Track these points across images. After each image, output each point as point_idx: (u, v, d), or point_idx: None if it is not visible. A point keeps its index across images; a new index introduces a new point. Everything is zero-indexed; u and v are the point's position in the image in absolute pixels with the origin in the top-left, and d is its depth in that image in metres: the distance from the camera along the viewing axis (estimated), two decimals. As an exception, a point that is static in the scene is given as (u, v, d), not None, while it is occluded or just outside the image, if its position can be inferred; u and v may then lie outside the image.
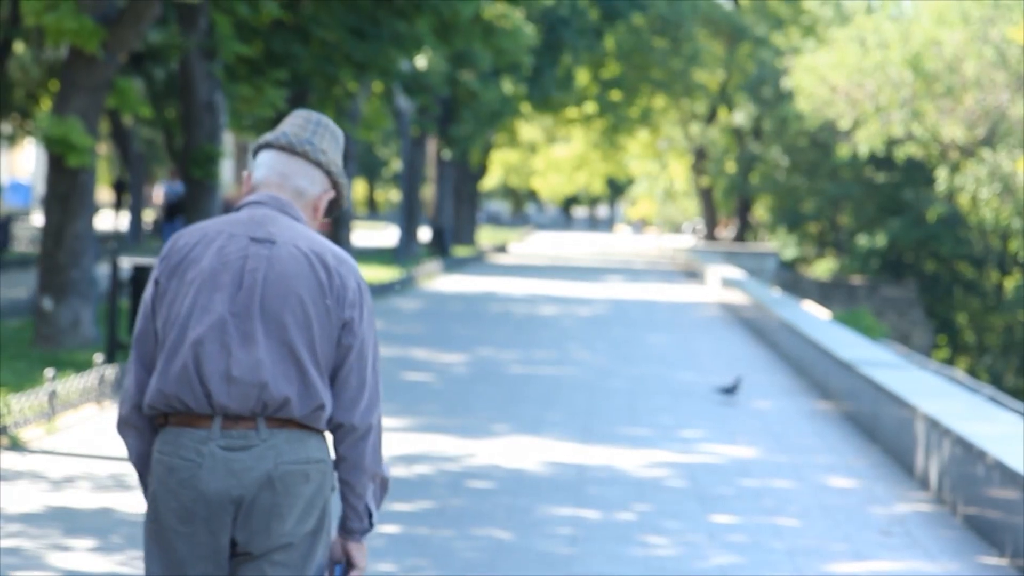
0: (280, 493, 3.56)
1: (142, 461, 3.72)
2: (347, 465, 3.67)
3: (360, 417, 3.64)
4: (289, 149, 3.74)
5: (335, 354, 3.63)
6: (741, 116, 57.30)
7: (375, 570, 7.03)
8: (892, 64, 42.12)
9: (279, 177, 3.74)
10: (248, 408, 3.57)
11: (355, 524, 3.71)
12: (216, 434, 3.57)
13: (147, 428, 3.69)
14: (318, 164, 3.75)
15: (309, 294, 3.61)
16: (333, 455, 3.73)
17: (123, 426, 3.71)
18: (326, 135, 3.77)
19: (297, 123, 3.77)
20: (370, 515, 3.71)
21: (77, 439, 10.45)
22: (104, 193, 52.96)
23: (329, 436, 3.72)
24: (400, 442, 10.65)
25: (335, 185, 3.79)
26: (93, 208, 15.56)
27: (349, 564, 3.72)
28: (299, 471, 3.58)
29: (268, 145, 3.76)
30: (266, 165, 3.75)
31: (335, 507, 3.78)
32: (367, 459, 3.67)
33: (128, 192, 43.45)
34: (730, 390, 13.93)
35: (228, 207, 25.64)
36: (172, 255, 3.66)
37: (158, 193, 22.03)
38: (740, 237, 59.25)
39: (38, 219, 41.21)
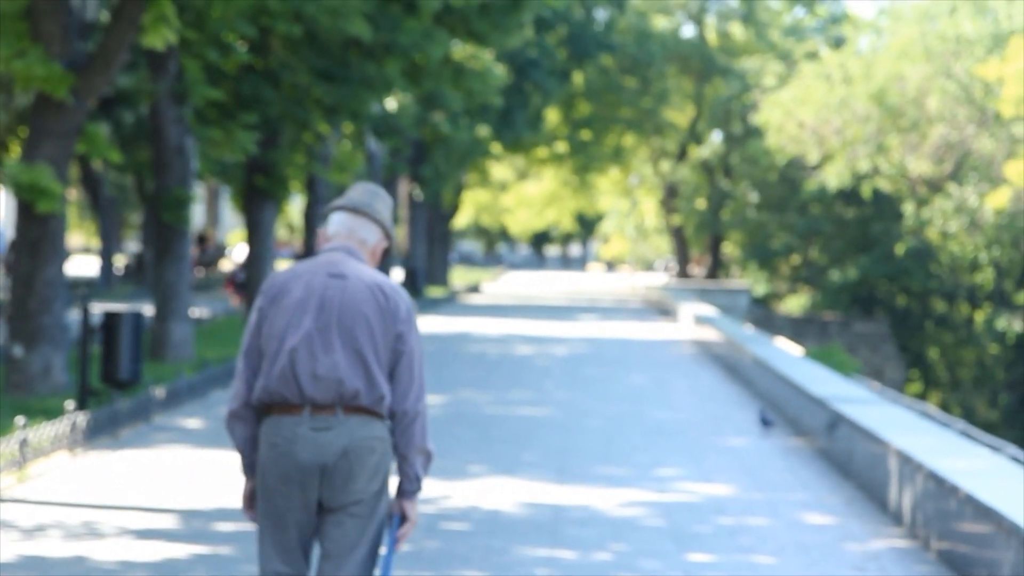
0: (353, 461, 4.82)
1: (248, 444, 4.94)
2: (402, 441, 4.91)
3: (411, 405, 4.90)
4: (354, 210, 5.06)
5: (391, 358, 4.90)
6: (708, 151, 57.50)
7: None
8: (857, 99, 42.37)
9: (347, 231, 5.05)
10: (329, 399, 4.82)
11: (407, 486, 4.95)
12: (306, 419, 4.82)
13: (253, 419, 4.92)
14: (375, 221, 5.07)
15: (373, 314, 4.88)
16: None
17: (232, 419, 4.93)
18: (380, 200, 5.09)
19: (359, 191, 5.09)
20: (419, 479, 4.94)
21: (49, 487, 10.38)
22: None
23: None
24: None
25: (387, 236, 5.09)
26: (64, 254, 15.51)
27: (404, 517, 4.95)
28: (367, 445, 4.84)
29: (338, 208, 5.05)
30: (337, 222, 5.06)
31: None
32: (416, 437, 4.92)
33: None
34: (768, 422, 14.64)
35: (202, 240, 25.51)
36: (271, 289, 4.94)
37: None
38: (712, 274, 59.37)
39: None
